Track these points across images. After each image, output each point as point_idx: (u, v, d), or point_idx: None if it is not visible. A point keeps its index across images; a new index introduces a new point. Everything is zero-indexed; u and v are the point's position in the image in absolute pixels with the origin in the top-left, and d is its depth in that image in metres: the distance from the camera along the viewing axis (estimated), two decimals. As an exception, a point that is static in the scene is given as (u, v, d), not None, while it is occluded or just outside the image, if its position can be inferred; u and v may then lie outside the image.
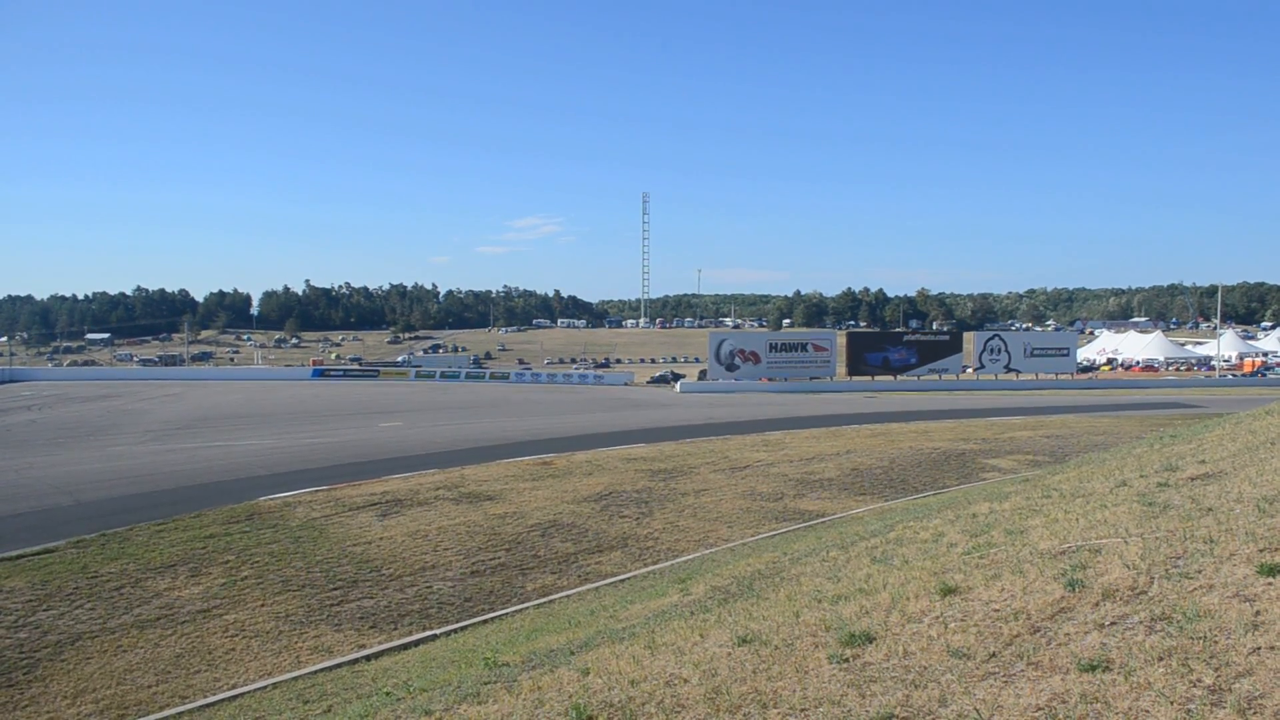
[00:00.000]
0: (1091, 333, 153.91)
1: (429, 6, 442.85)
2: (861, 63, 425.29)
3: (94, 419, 47.47)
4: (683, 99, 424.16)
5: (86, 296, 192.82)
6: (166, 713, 11.65)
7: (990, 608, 5.54)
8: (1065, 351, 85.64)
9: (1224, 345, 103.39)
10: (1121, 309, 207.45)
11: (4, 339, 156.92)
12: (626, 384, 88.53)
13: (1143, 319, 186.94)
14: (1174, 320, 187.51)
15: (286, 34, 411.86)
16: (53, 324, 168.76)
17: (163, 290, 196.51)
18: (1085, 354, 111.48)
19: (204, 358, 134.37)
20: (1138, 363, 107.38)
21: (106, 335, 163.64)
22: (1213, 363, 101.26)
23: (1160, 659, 4.18)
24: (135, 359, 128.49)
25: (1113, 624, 4.77)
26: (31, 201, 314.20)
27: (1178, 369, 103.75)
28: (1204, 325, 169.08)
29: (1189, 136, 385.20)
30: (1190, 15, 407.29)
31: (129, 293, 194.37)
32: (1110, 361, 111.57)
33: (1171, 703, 3.77)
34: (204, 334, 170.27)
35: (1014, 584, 5.90)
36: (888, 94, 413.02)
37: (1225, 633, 4.27)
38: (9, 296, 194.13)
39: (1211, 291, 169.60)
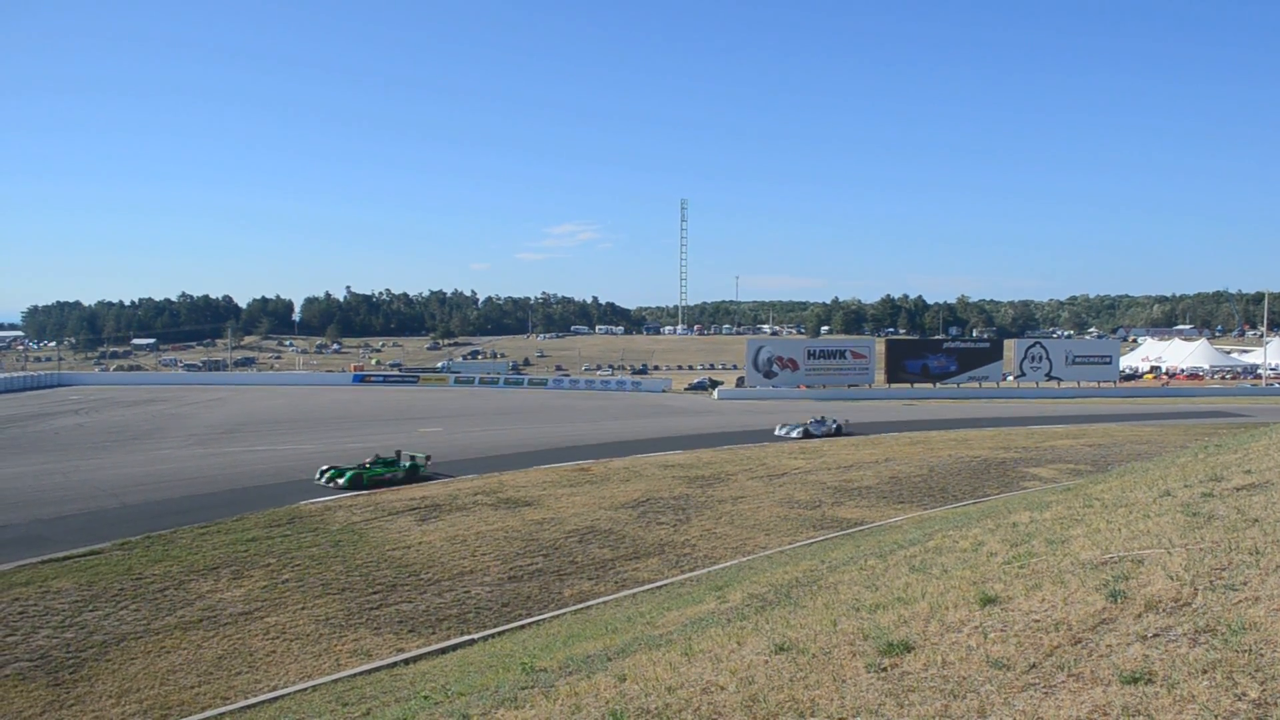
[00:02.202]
0: (1134, 340, 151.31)
1: (471, 12, 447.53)
2: (901, 69, 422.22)
3: (139, 423, 48.35)
4: (722, 105, 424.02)
5: (132, 303, 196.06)
6: (208, 713, 11.84)
7: (1030, 618, 5.49)
8: (1108, 359, 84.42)
9: (1271, 353, 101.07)
10: (1165, 316, 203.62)
11: (53, 344, 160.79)
12: (664, 391, 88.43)
13: (1187, 326, 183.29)
14: (1219, 328, 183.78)
15: (331, 38, 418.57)
16: (100, 329, 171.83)
17: (206, 296, 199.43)
18: (1128, 362, 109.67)
19: (247, 363, 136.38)
20: (1182, 371, 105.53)
21: (152, 341, 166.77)
22: (1259, 371, 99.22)
23: (1204, 672, 4.12)
24: (180, 364, 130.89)
25: (1155, 636, 4.71)
26: (79, 205, 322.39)
27: (1223, 377, 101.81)
28: (1250, 333, 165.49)
29: (1235, 143, 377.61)
30: (1245, 23, 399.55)
31: (174, 299, 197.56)
32: (1154, 369, 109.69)
33: (1215, 716, 3.72)
34: (247, 340, 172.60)
35: (1055, 594, 5.84)
36: (928, 100, 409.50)
37: (1271, 646, 4.20)
38: (58, 303, 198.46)
39: (1258, 298, 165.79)
